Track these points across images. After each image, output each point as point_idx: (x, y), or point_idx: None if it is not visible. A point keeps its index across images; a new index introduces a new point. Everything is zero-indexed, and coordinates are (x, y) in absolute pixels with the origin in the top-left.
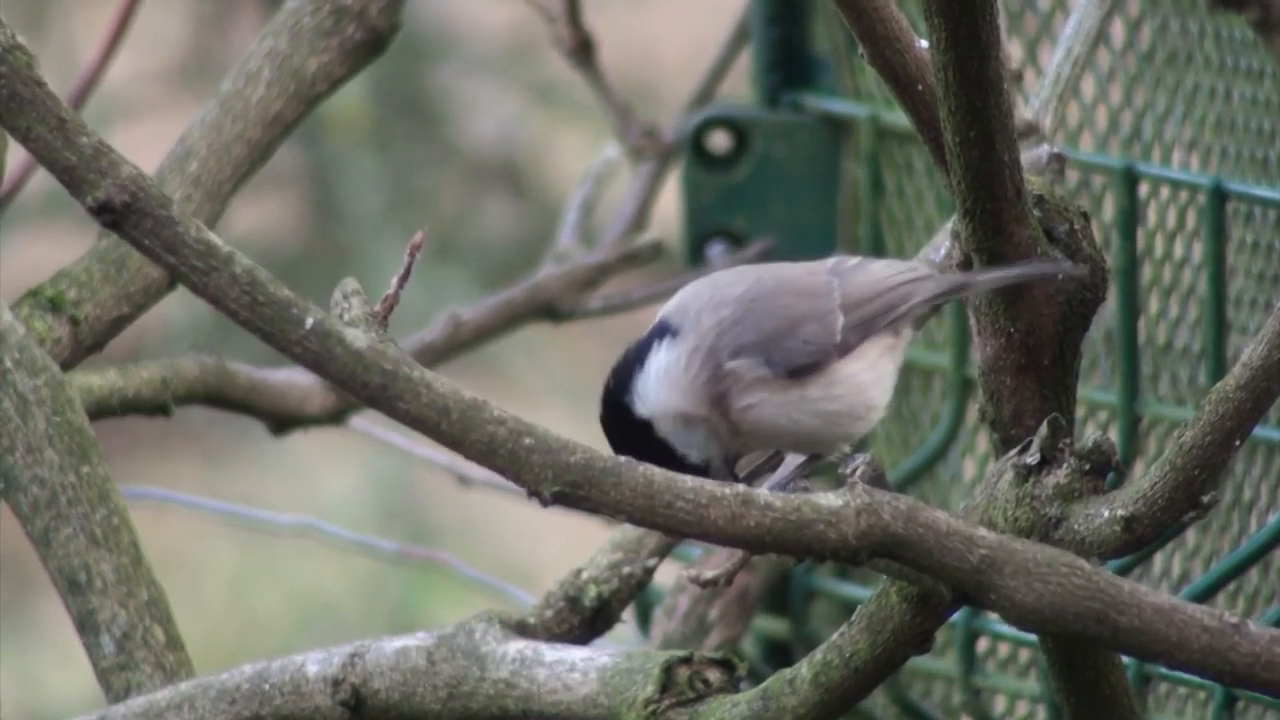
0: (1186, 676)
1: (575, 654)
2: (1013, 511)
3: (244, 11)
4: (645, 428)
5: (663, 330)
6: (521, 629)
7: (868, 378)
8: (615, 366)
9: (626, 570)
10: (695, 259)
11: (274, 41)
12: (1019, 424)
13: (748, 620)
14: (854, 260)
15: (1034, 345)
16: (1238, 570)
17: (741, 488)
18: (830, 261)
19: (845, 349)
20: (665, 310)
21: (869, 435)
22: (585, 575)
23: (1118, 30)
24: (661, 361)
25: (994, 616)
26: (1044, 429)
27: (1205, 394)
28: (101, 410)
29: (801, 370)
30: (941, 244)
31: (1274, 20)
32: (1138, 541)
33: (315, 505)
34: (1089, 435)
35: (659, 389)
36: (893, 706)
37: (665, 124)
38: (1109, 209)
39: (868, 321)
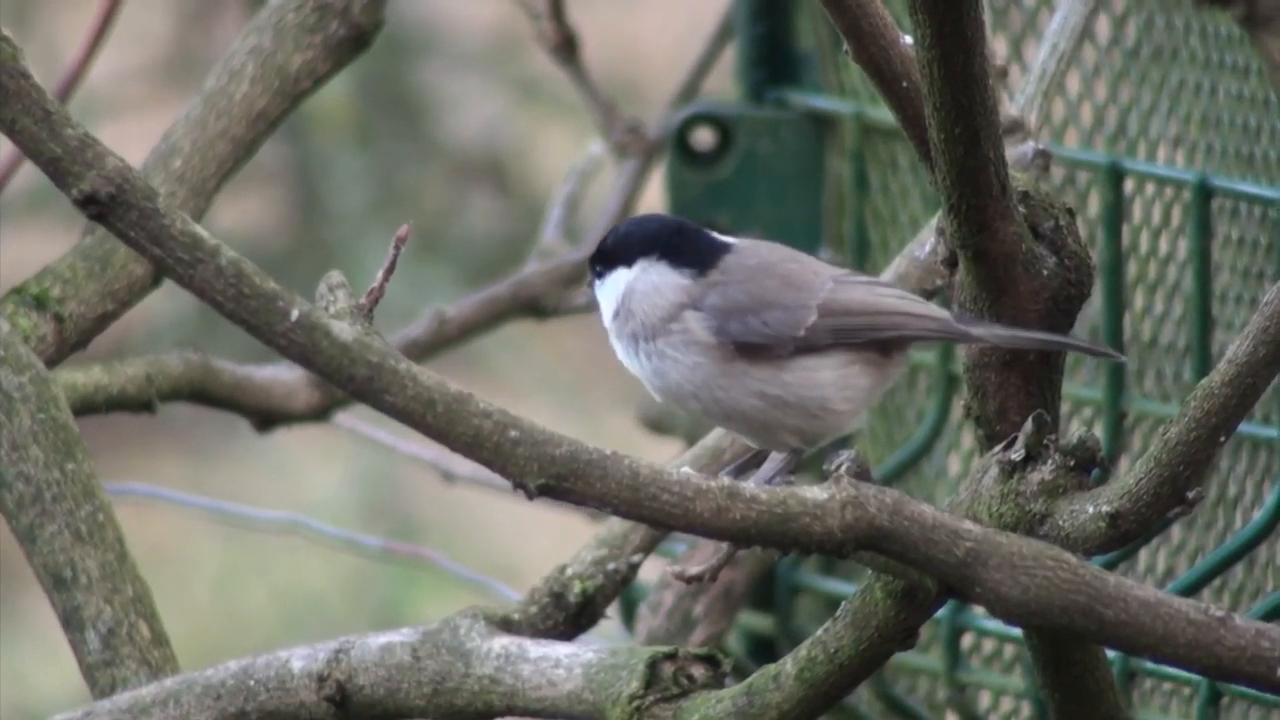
0: (1172, 671)
1: (560, 650)
2: (998, 507)
3: (227, 8)
4: (624, 264)
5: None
6: (506, 625)
7: (826, 376)
8: (676, 223)
9: (611, 567)
10: None
11: (258, 38)
12: (1004, 420)
13: (732, 616)
14: (867, 277)
15: None
16: (1223, 566)
17: (727, 481)
18: (843, 271)
19: (806, 346)
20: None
21: (853, 431)
22: (570, 572)
23: (1103, 26)
24: (665, 274)
25: (979, 612)
26: (1029, 425)
27: (1190, 390)
28: (86, 407)
29: (749, 349)
30: (926, 240)
31: (1259, 16)
32: (1123, 537)
33: (300, 502)
34: (1074, 431)
35: (664, 278)
36: (878, 702)
37: (649, 121)
38: (1094, 205)
39: (843, 330)
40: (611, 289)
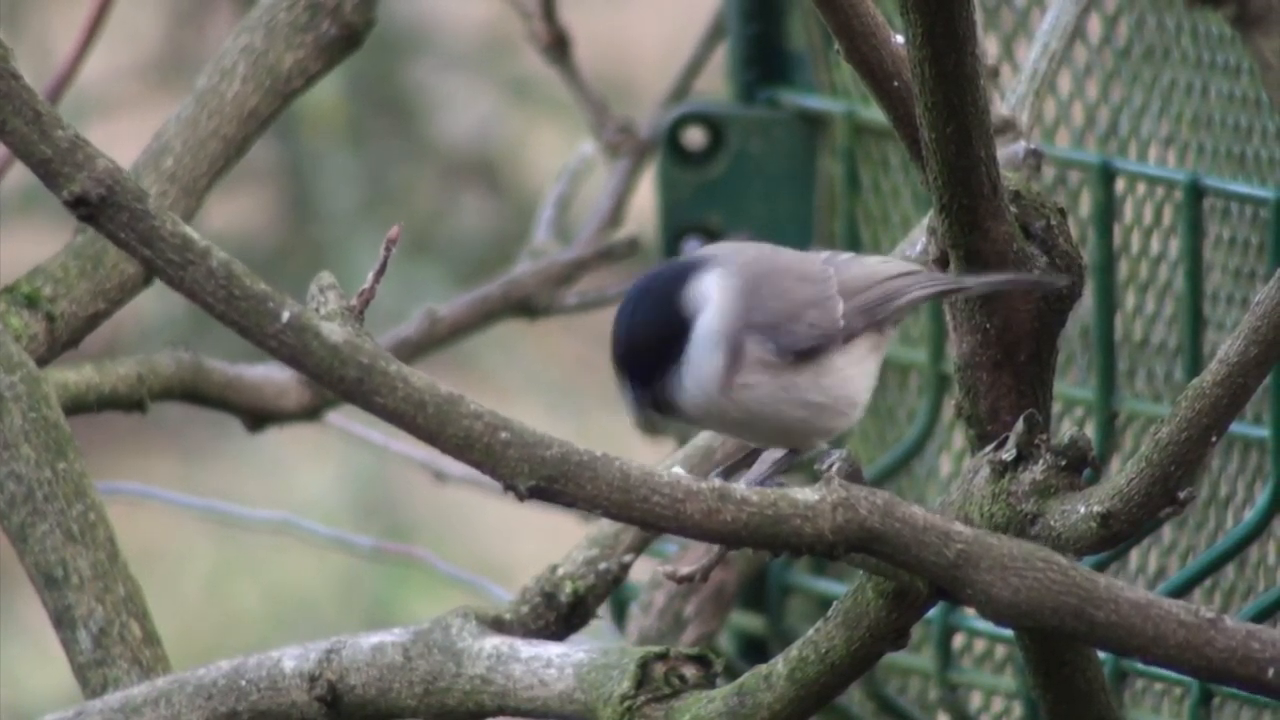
0: (1163, 672)
1: (551, 650)
2: (989, 508)
3: (219, 7)
4: (682, 327)
5: (704, 262)
6: (498, 625)
7: (854, 372)
8: (655, 272)
9: (602, 566)
10: (671, 255)
11: (249, 37)
12: (995, 420)
13: (724, 616)
14: (847, 254)
15: (1010, 341)
16: (1214, 566)
17: (718, 482)
18: (825, 254)
19: (847, 336)
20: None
21: (845, 431)
22: (561, 571)
23: (1094, 26)
24: (722, 287)
25: (970, 612)
26: (1020, 425)
27: (1182, 390)
28: (78, 406)
29: (804, 355)
30: (918, 240)
31: (1250, 16)
32: (1114, 538)
33: (292, 501)
34: (1065, 431)
35: (713, 309)
36: (869, 702)
37: (641, 120)
38: (1086, 205)
39: (866, 309)
40: (699, 347)
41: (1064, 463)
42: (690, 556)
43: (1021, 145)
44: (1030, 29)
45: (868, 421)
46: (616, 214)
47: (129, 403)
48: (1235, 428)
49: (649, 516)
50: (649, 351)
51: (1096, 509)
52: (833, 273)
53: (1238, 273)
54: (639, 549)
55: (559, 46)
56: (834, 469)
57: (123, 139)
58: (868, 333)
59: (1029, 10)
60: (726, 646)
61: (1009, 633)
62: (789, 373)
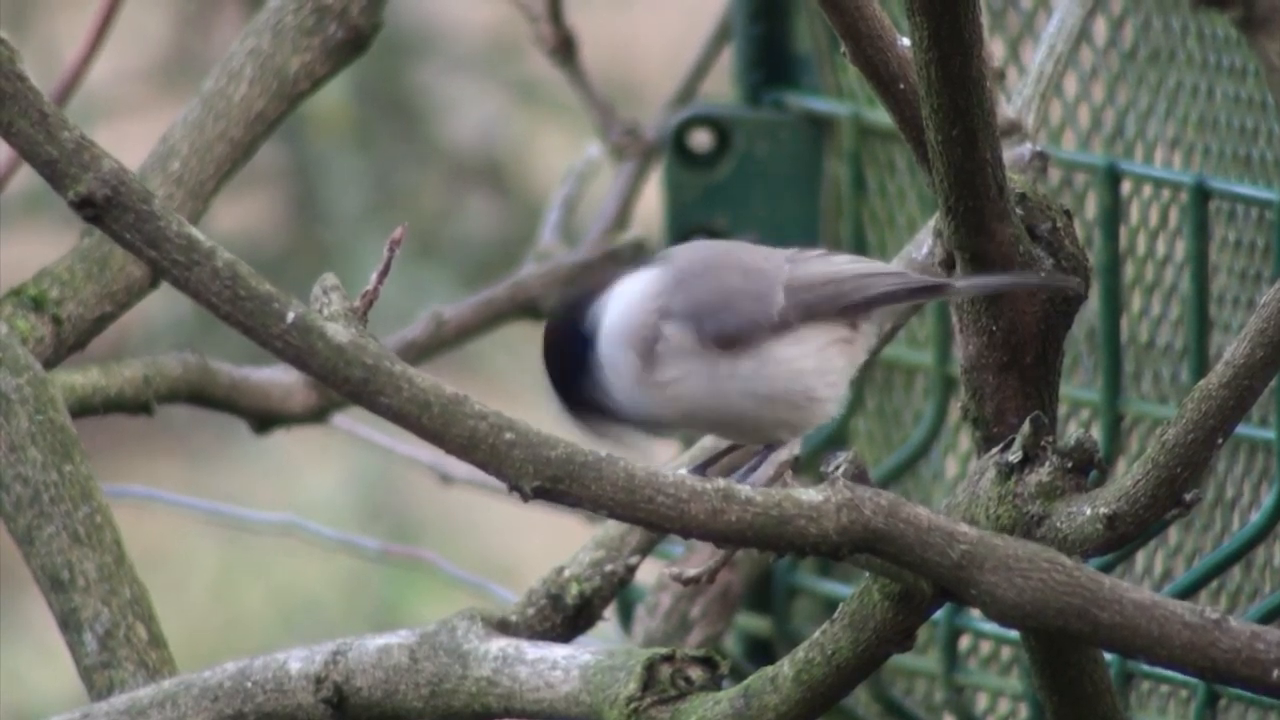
0: (1168, 673)
1: (557, 652)
2: (995, 509)
3: (226, 10)
4: (588, 335)
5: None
6: (504, 627)
7: (807, 365)
8: (581, 289)
9: (608, 568)
10: None
11: (256, 40)
12: (1001, 422)
13: (730, 618)
14: (818, 251)
15: (1016, 343)
16: (1220, 568)
17: (723, 483)
18: (793, 250)
19: (781, 328)
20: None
21: (850, 433)
22: (567, 573)
23: (1100, 28)
24: (629, 288)
25: (976, 614)
26: (1026, 427)
27: (1188, 392)
28: (84, 409)
29: (730, 341)
30: (924, 242)
31: (1256, 18)
32: (1120, 539)
33: (297, 503)
34: (1071, 433)
35: (615, 310)
36: (875, 704)
37: (647, 122)
38: (1091, 207)
39: (810, 305)
40: (607, 348)
41: (1070, 465)
42: (696, 558)
43: (1027, 147)
44: (1036, 31)
45: (873, 423)
46: (622, 216)
47: (135, 405)
48: (1241, 430)
49: (654, 517)
50: (566, 366)
51: (1102, 511)
52: (788, 268)
53: (1243, 275)
54: (645, 551)
55: (565, 49)
56: (839, 470)
57: (129, 142)
58: (832, 325)
59: (1035, 13)
60: (732, 648)
61: (1015, 634)
62: (726, 361)
